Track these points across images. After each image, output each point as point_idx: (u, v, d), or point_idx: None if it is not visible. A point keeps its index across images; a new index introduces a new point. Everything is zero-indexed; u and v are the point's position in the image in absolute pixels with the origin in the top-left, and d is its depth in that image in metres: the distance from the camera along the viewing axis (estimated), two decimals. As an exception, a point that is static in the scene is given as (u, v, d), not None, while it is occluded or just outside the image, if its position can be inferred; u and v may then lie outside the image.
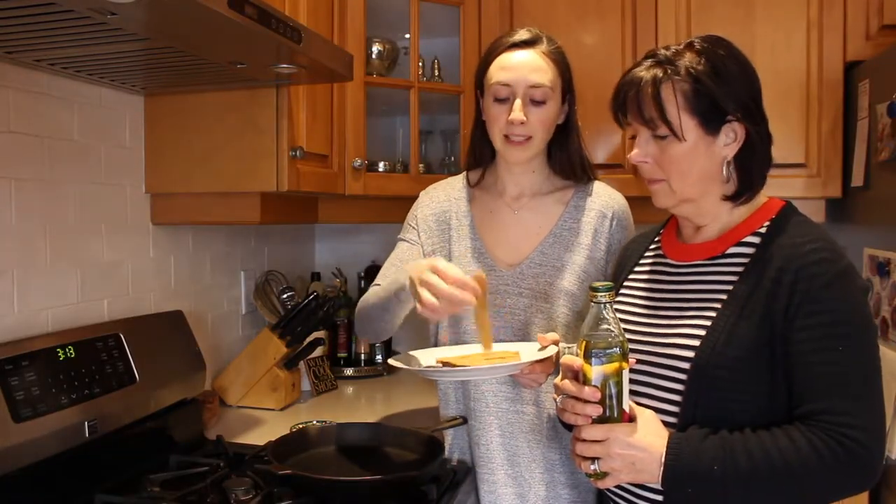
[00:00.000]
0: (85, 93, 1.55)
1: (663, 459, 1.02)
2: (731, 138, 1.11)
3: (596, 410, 1.04)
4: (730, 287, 1.10)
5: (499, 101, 1.46)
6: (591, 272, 1.48)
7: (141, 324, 1.59)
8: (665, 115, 1.08)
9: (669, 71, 1.09)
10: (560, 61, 1.48)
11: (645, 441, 1.03)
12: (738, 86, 1.10)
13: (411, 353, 1.43)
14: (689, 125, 1.09)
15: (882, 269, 1.69)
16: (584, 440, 1.05)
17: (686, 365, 1.08)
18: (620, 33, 2.14)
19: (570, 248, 1.49)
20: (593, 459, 1.05)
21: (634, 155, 1.14)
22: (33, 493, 1.24)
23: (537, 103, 1.44)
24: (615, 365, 1.04)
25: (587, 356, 1.05)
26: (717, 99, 1.08)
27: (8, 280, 1.38)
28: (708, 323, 1.09)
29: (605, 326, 1.04)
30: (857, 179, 1.90)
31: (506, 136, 1.46)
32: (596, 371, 1.04)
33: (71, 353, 1.36)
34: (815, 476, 0.99)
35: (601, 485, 1.08)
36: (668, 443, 1.03)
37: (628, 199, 1.57)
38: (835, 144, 2.01)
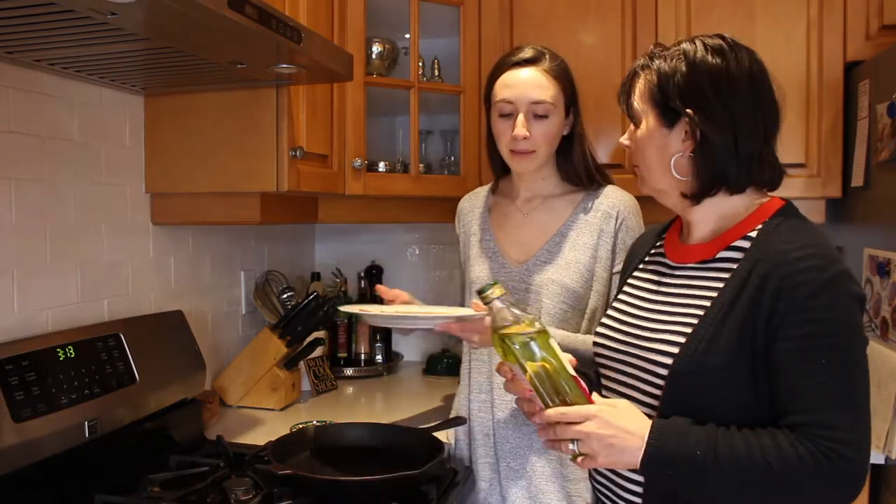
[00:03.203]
0: (85, 93, 1.55)
1: (646, 439, 1.01)
2: (685, 135, 1.11)
3: (531, 407, 1.09)
4: (714, 294, 1.08)
5: (503, 117, 1.53)
6: (595, 271, 1.52)
7: (141, 324, 1.59)
8: (630, 103, 1.16)
9: (647, 64, 1.15)
10: (562, 77, 1.53)
11: (625, 423, 1.03)
12: (707, 86, 1.08)
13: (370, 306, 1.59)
14: (649, 115, 1.14)
15: (882, 269, 1.69)
16: (549, 424, 1.06)
17: (664, 371, 1.07)
18: (620, 33, 2.14)
19: (576, 247, 1.53)
20: (573, 441, 1.04)
21: (622, 139, 1.22)
22: (33, 493, 1.24)
23: (540, 118, 1.51)
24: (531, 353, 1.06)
25: (505, 354, 1.08)
26: (669, 92, 1.10)
27: (8, 280, 1.38)
28: (689, 330, 1.08)
29: (510, 319, 1.08)
30: (857, 179, 1.90)
31: (512, 150, 1.54)
32: (524, 366, 1.07)
33: (71, 353, 1.36)
34: (794, 480, 0.98)
35: (581, 465, 1.07)
36: (652, 425, 1.03)
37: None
38: (835, 144, 2.01)
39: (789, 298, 1.00)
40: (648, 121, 1.14)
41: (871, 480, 1.67)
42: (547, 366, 1.06)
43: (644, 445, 1.01)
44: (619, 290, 1.31)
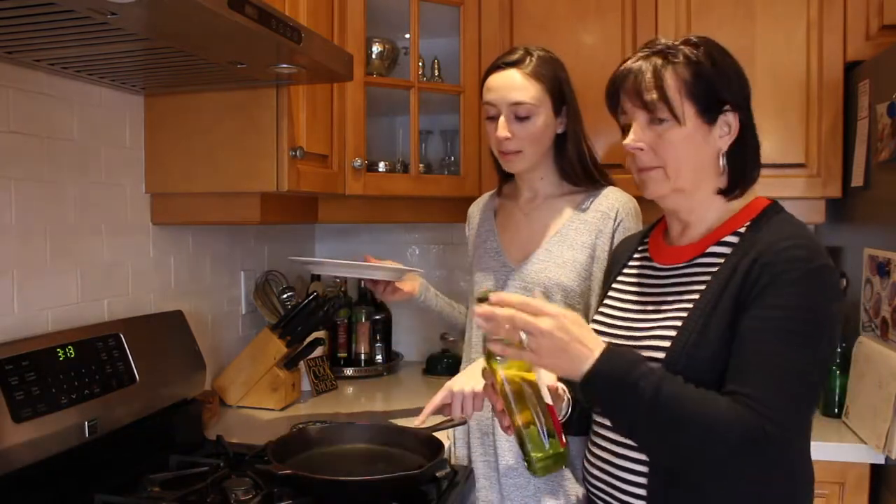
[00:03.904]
0: (85, 93, 1.55)
1: (597, 355, 1.02)
2: (724, 130, 1.12)
3: (502, 420, 1.11)
4: (703, 286, 1.10)
5: (490, 119, 1.57)
6: (593, 271, 1.53)
7: (141, 324, 1.59)
8: (666, 96, 1.09)
9: (671, 57, 1.11)
10: (545, 77, 1.54)
11: (580, 333, 1.03)
12: (733, 79, 1.13)
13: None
14: (689, 111, 1.10)
15: (882, 269, 1.69)
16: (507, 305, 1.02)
17: (656, 366, 1.08)
18: (620, 33, 2.13)
19: (574, 247, 1.55)
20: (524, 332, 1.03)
21: (629, 141, 1.14)
22: (33, 493, 1.24)
23: (522, 119, 1.53)
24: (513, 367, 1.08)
25: (487, 362, 1.10)
26: (715, 86, 1.10)
27: (8, 280, 1.38)
28: (679, 323, 1.09)
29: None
30: (857, 179, 1.90)
31: (500, 151, 1.57)
32: (497, 377, 1.08)
33: (71, 353, 1.36)
34: (721, 433, 0.98)
35: (516, 355, 1.04)
36: (607, 345, 1.04)
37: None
38: (835, 144, 2.00)
39: (768, 282, 1.02)
40: (688, 116, 1.10)
41: (871, 480, 1.67)
42: (522, 385, 1.07)
43: (594, 360, 1.01)
44: (604, 295, 1.31)
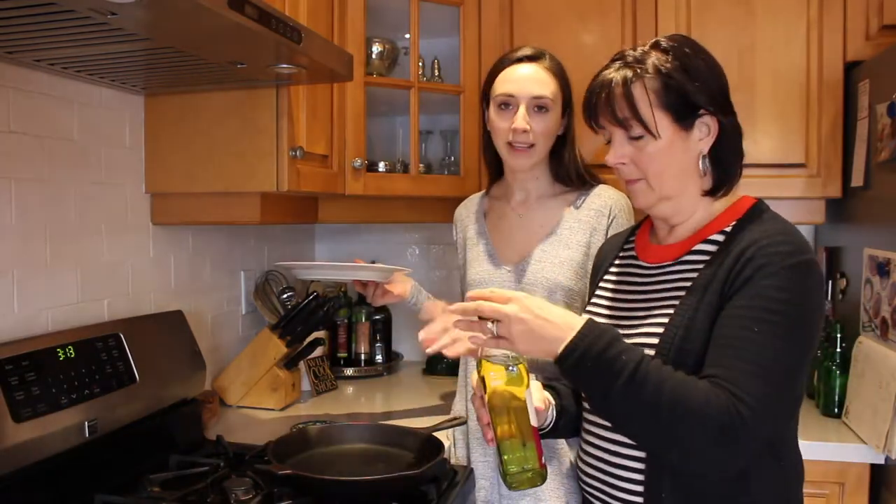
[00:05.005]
0: (85, 93, 1.55)
1: (578, 330, 1.03)
2: (704, 132, 1.12)
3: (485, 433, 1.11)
4: (689, 283, 1.10)
5: (503, 111, 1.56)
6: (588, 268, 1.53)
7: (141, 324, 1.59)
8: (638, 113, 1.09)
9: (639, 70, 1.10)
10: (561, 76, 1.57)
11: (547, 313, 1.05)
12: (706, 80, 1.11)
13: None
14: (663, 122, 1.10)
15: (882, 269, 1.69)
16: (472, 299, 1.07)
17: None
18: (620, 33, 2.14)
19: (569, 246, 1.55)
20: (493, 321, 1.06)
21: (611, 157, 1.15)
22: (33, 493, 1.24)
23: (540, 113, 1.54)
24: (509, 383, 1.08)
25: (480, 372, 1.10)
26: (687, 93, 1.09)
27: (8, 280, 1.38)
28: (667, 319, 1.09)
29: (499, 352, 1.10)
30: (857, 179, 1.90)
31: (509, 144, 1.55)
32: (490, 385, 1.09)
33: (71, 353, 1.36)
34: (697, 412, 0.98)
35: (493, 344, 1.08)
36: (588, 321, 1.05)
37: (628, 198, 1.59)
38: (835, 144, 2.01)
39: (751, 274, 1.03)
40: (663, 127, 1.10)
41: (871, 480, 1.67)
42: (509, 400, 1.07)
43: (572, 335, 1.03)
44: (592, 294, 1.31)
